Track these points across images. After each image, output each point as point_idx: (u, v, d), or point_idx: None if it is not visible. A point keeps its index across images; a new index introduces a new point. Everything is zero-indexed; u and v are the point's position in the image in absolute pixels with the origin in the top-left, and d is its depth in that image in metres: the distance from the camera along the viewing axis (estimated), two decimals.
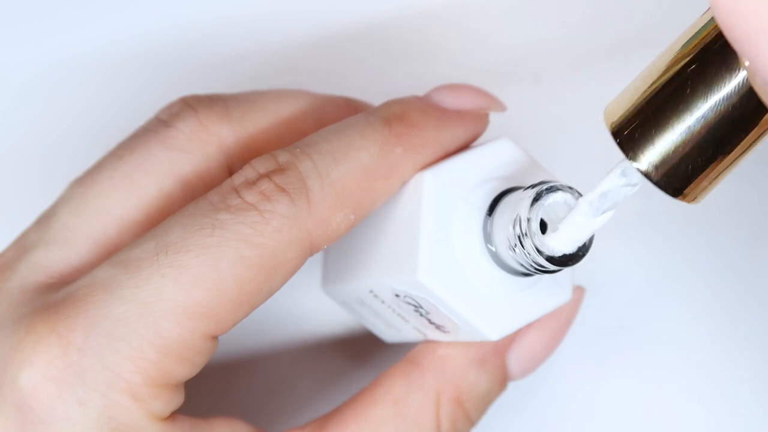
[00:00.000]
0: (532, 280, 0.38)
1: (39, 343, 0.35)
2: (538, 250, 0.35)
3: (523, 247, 0.36)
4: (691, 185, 0.32)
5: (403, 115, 0.38)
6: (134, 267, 0.35)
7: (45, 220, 0.38)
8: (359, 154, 0.37)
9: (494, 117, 0.40)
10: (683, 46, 0.32)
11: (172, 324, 0.35)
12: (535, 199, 0.35)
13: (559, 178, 0.38)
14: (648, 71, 0.32)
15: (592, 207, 0.34)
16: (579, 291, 0.40)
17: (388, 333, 0.43)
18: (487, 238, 0.37)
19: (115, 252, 0.37)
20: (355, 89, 0.44)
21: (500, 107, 0.40)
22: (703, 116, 0.31)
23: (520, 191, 0.37)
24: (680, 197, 0.32)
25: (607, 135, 0.32)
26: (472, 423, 0.40)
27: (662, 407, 0.46)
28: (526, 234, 0.35)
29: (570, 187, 0.36)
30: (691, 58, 0.31)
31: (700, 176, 0.32)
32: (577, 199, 0.35)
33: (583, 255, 0.36)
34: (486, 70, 0.49)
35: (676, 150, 0.32)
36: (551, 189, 0.35)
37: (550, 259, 0.35)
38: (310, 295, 0.46)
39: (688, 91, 0.31)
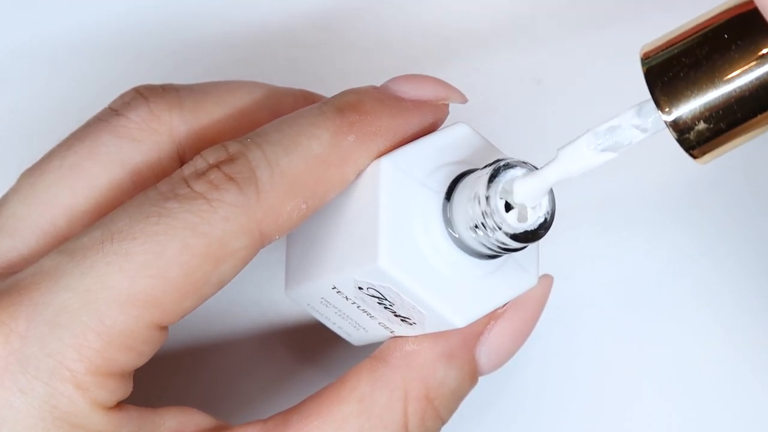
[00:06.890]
0: (496, 265, 0.38)
1: None
2: (499, 227, 0.35)
3: (484, 226, 0.35)
4: (707, 146, 0.32)
5: (357, 103, 0.37)
6: (79, 255, 0.35)
7: None
8: (310, 142, 0.36)
9: (493, 117, 0.40)
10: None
11: (116, 312, 0.35)
12: (493, 176, 0.35)
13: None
14: (703, 18, 0.32)
15: (596, 138, 0.34)
16: (547, 279, 0.39)
17: (355, 335, 0.42)
18: (448, 221, 0.37)
19: (65, 242, 0.37)
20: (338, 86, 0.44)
21: (460, 98, 0.39)
22: (743, 83, 0.30)
23: (477, 171, 0.36)
24: (691, 154, 0.32)
25: None
26: (442, 420, 0.39)
27: (634, 399, 0.46)
28: (486, 213, 0.35)
29: (525, 162, 0.36)
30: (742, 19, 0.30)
31: (718, 140, 0.31)
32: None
33: (545, 232, 0.36)
34: (486, 70, 0.49)
35: (705, 109, 0.31)
36: (508, 165, 0.35)
37: (513, 236, 0.35)
38: (277, 286, 0.45)
39: (734, 52, 0.30)
